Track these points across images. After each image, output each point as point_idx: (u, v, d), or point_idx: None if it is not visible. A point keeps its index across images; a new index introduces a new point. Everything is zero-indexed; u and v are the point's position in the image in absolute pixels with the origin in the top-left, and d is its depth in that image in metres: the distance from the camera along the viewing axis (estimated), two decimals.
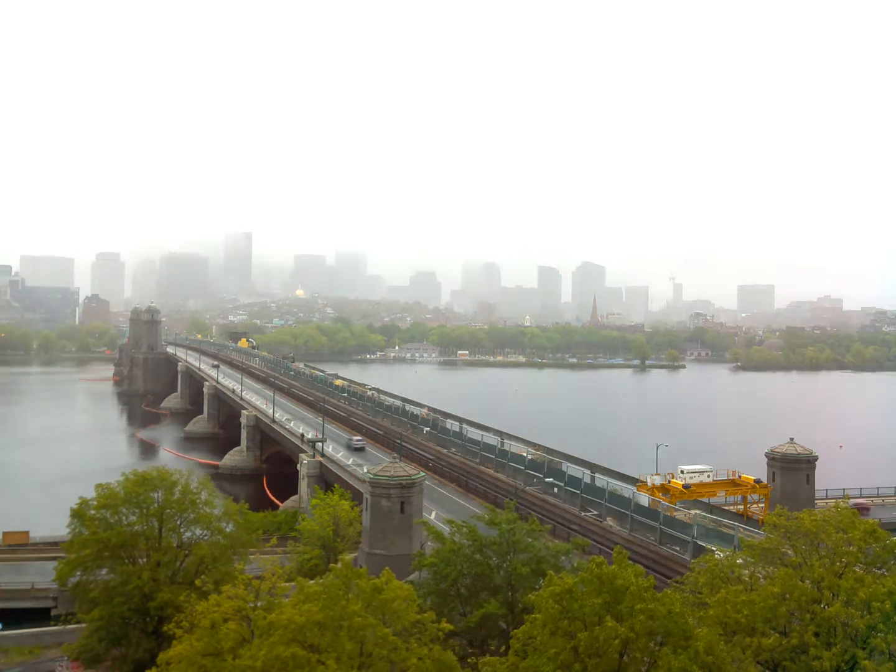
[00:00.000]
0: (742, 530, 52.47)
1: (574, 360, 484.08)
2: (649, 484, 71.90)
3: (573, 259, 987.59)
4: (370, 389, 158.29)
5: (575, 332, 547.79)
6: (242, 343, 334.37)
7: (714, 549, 48.94)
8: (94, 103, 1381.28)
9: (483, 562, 44.01)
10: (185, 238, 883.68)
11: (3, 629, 59.32)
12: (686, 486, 70.88)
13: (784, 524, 37.18)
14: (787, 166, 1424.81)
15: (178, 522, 49.77)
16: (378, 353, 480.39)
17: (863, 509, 75.87)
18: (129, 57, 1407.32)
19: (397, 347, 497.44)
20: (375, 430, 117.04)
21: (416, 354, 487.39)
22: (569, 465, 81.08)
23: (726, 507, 74.12)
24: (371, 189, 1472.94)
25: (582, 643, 28.85)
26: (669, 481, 72.08)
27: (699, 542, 54.81)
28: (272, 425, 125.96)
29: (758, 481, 73.87)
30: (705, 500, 73.29)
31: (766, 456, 75.33)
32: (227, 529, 51.32)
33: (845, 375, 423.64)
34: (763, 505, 71.95)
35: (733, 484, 74.95)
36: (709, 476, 74.41)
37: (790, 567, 34.69)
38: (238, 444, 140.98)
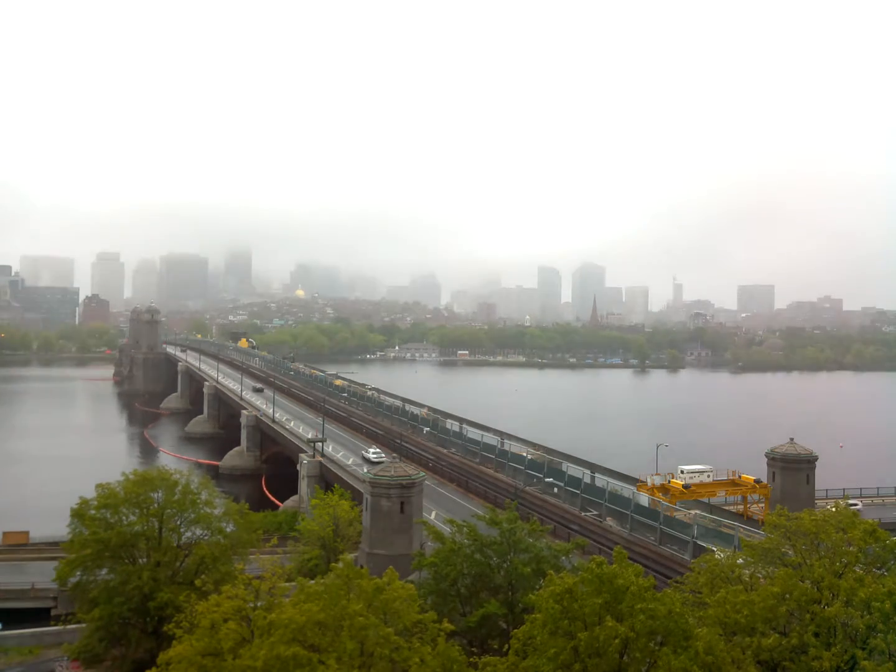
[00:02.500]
0: (742, 530, 52.50)
1: (574, 361, 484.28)
2: (649, 484, 71.94)
3: (573, 259, 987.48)
4: (370, 389, 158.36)
5: (575, 332, 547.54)
6: (242, 343, 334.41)
7: (714, 549, 48.95)
8: (94, 104, 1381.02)
9: (483, 562, 44.00)
10: (185, 238, 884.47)
11: (3, 629, 59.35)
12: (686, 486, 70.91)
13: (784, 524, 37.18)
14: (788, 166, 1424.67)
15: (179, 522, 49.82)
16: (378, 353, 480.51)
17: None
18: (129, 57, 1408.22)
19: (397, 347, 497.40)
20: (375, 430, 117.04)
21: (416, 354, 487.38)
22: (569, 465, 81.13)
23: (726, 507, 74.19)
24: (371, 189, 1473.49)
25: (582, 643, 28.84)
26: (669, 481, 72.12)
27: (699, 542, 54.87)
28: (272, 425, 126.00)
29: (758, 481, 73.90)
30: (705, 500, 73.34)
31: (766, 456, 75.32)
32: (228, 529, 51.34)
33: (845, 376, 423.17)
34: (763, 505, 71.97)
35: (733, 484, 74.99)
36: (709, 476, 74.47)
37: (790, 567, 34.70)
38: (238, 444, 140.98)
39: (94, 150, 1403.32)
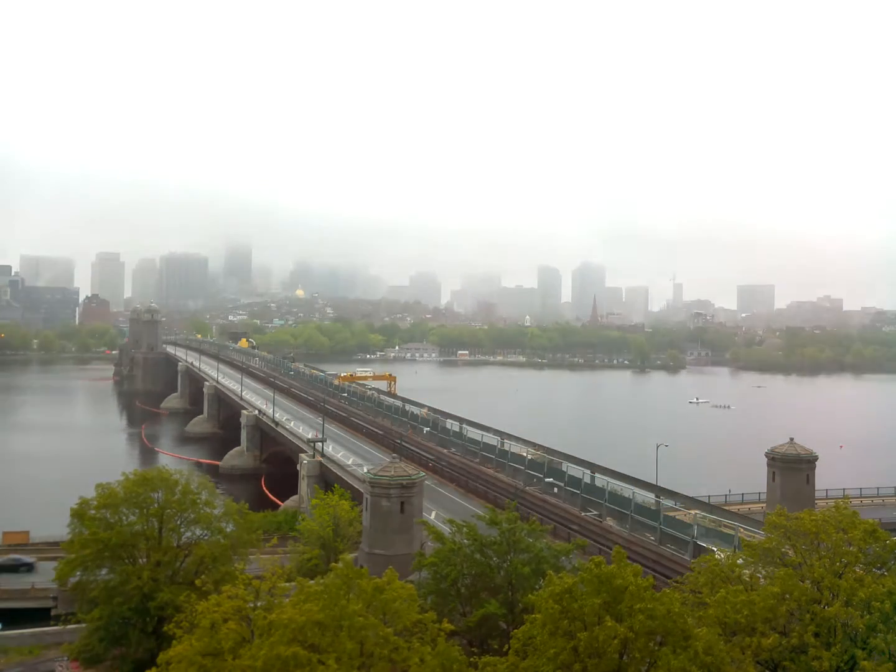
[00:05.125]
0: (742, 530, 52.50)
1: (574, 360, 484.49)
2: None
3: (573, 259, 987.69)
4: (370, 389, 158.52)
5: (575, 332, 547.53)
6: (242, 343, 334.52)
7: (714, 549, 48.96)
8: (94, 103, 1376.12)
9: (483, 562, 44.02)
10: (185, 238, 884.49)
11: (3, 629, 59.38)
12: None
13: (784, 524, 37.20)
14: (788, 166, 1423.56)
15: (179, 522, 49.85)
16: (378, 353, 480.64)
17: None
18: (129, 55, 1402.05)
19: (397, 347, 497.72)
20: (375, 430, 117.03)
21: (416, 354, 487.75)
22: (569, 465, 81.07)
23: (726, 507, 74.22)
24: (371, 189, 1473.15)
25: (582, 643, 28.85)
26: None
27: (699, 542, 54.84)
28: (272, 425, 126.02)
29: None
30: (705, 499, 73.36)
31: (766, 456, 75.27)
32: (228, 529, 51.36)
33: (844, 380, 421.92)
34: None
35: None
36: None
37: (790, 567, 34.70)
38: (238, 444, 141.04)
39: (94, 150, 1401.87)
